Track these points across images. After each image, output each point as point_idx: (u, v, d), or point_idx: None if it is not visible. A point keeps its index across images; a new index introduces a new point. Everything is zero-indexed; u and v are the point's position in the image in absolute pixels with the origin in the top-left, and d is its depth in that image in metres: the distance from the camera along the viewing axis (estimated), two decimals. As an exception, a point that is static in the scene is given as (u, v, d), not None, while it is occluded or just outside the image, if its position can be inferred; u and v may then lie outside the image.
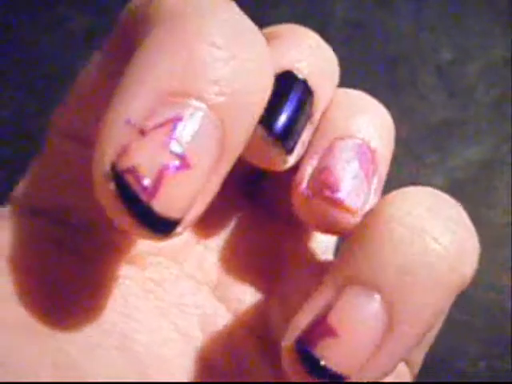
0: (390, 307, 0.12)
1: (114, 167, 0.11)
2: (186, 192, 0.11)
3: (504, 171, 0.32)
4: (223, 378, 0.15)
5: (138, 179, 0.11)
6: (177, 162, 0.11)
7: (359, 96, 0.16)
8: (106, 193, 0.11)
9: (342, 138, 0.14)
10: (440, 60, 0.33)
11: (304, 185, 0.14)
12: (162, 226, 0.11)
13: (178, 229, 0.11)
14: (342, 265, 0.13)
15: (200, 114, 0.11)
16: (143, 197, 0.11)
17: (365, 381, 0.12)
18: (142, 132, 0.11)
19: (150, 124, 0.11)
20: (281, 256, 0.17)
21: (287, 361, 0.13)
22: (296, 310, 0.14)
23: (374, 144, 0.15)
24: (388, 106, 0.16)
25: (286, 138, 0.14)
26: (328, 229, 0.15)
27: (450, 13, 0.34)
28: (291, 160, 0.14)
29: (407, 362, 0.16)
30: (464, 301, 0.30)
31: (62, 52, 0.31)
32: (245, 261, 0.16)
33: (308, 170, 0.14)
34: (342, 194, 0.14)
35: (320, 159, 0.14)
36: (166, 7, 0.12)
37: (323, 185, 0.14)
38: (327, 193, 0.14)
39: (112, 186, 0.11)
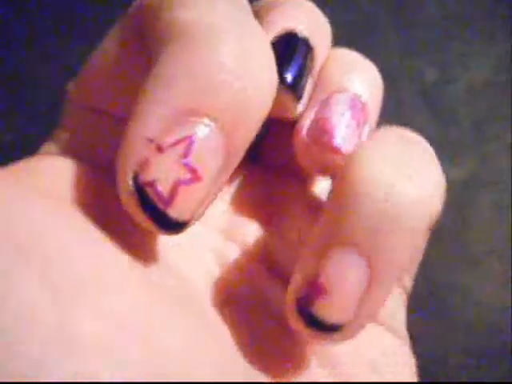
0: (368, 260, 0.14)
1: (135, 180, 0.13)
2: (197, 199, 0.13)
3: (485, 191, 0.33)
4: (246, 305, 0.17)
5: (157, 192, 0.12)
6: (189, 176, 0.13)
7: (353, 55, 0.18)
8: (129, 201, 0.13)
9: (336, 92, 0.16)
10: (424, 81, 0.34)
11: (304, 133, 0.16)
12: (176, 227, 0.13)
13: (189, 225, 0.13)
14: (321, 230, 0.14)
15: (210, 131, 0.13)
16: (160, 206, 0.13)
17: (360, 323, 0.14)
18: (160, 148, 0.12)
19: (167, 141, 0.12)
20: (279, 201, 0.18)
21: (290, 316, 0.14)
22: (293, 243, 0.17)
23: (364, 98, 0.17)
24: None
25: (297, 87, 0.16)
26: (324, 171, 0.17)
27: (434, 35, 0.35)
28: (300, 107, 0.17)
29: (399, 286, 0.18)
30: (450, 316, 0.31)
31: (60, 78, 0.31)
32: (249, 207, 0.18)
33: (307, 121, 0.16)
34: (337, 141, 0.16)
35: (317, 111, 0.16)
36: (179, 23, 0.13)
37: (321, 133, 0.16)
38: (325, 139, 0.16)
39: (134, 195, 0.13)
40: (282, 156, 0.18)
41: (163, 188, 0.12)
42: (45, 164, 0.15)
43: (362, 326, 0.14)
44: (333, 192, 0.15)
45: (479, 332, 0.32)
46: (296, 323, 0.14)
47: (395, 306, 0.18)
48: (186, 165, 0.13)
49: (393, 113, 0.36)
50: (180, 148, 0.13)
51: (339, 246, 0.14)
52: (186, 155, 0.13)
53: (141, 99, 0.13)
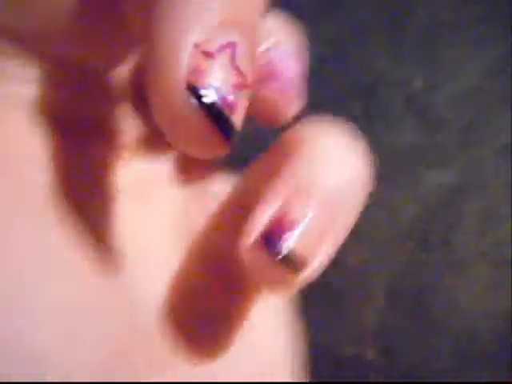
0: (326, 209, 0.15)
1: (192, 88, 0.11)
2: (246, 103, 0.12)
3: (472, 196, 0.33)
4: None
5: (222, 97, 0.11)
6: (240, 80, 0.12)
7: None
8: (188, 113, 0.11)
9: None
10: (411, 87, 0.34)
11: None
12: (233, 138, 0.12)
13: (238, 136, 0.12)
14: (282, 181, 0.15)
15: (241, 36, 0.12)
16: (227, 112, 0.12)
17: (321, 260, 0.15)
18: (208, 55, 0.11)
19: (214, 48, 0.12)
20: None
21: (253, 259, 0.15)
22: None
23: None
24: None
25: None
26: (271, 118, 0.18)
27: (422, 42, 0.35)
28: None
29: None
30: (436, 321, 0.32)
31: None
32: None
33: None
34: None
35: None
36: None
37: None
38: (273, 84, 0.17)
39: (195, 104, 0.11)
40: None
41: (228, 93, 0.12)
42: None
43: (324, 261, 0.15)
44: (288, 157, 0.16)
45: (464, 336, 0.32)
46: (264, 262, 0.14)
47: None
48: (238, 69, 0.12)
49: (380, 118, 0.36)
50: (227, 53, 0.12)
51: (301, 199, 0.15)
52: (235, 60, 0.12)
53: (176, 4, 0.12)
